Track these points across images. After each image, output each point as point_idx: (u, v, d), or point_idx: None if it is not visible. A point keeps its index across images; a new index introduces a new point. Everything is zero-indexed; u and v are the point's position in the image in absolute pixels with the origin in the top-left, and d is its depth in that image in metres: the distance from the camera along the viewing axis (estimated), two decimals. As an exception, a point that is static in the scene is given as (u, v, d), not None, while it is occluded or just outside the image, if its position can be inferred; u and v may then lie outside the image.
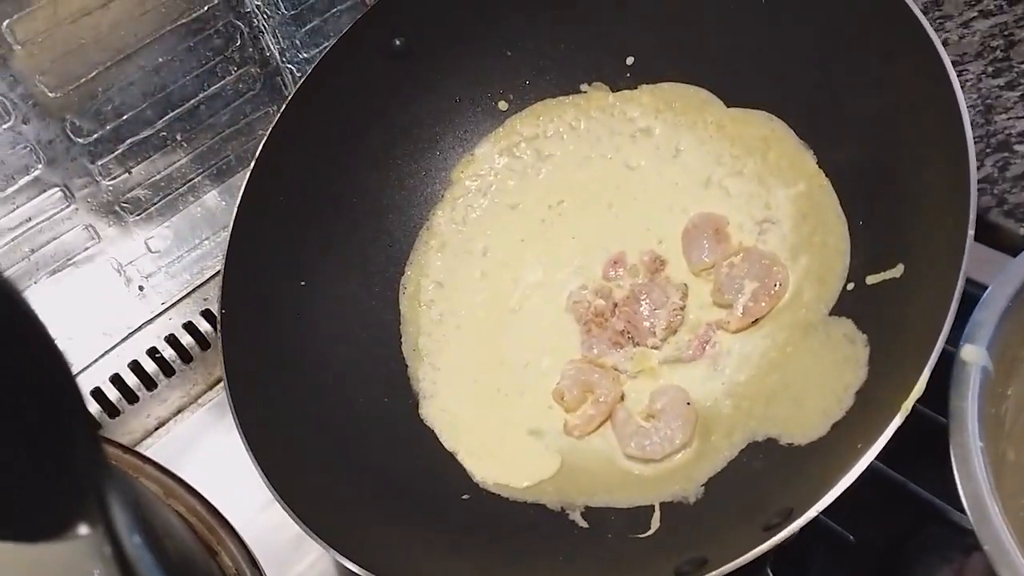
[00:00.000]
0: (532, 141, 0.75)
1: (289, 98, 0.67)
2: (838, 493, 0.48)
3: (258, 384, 0.60)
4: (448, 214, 0.74)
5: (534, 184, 0.74)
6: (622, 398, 0.64)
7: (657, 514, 0.58)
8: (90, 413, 0.28)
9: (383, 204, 0.72)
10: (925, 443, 0.56)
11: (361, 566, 0.52)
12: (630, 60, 0.72)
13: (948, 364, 0.53)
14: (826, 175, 0.65)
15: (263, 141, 0.66)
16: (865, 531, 0.59)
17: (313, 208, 0.68)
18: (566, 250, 0.70)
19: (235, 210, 0.64)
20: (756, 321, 0.63)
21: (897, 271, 0.59)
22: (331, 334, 0.66)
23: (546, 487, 0.61)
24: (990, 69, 0.84)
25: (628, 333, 0.65)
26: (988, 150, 0.77)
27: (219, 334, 0.60)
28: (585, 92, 0.74)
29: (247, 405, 0.59)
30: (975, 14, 0.89)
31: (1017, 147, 0.76)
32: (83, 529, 0.29)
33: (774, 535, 0.47)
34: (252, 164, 0.65)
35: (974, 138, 0.78)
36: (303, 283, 0.66)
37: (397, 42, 0.72)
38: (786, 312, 0.63)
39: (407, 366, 0.68)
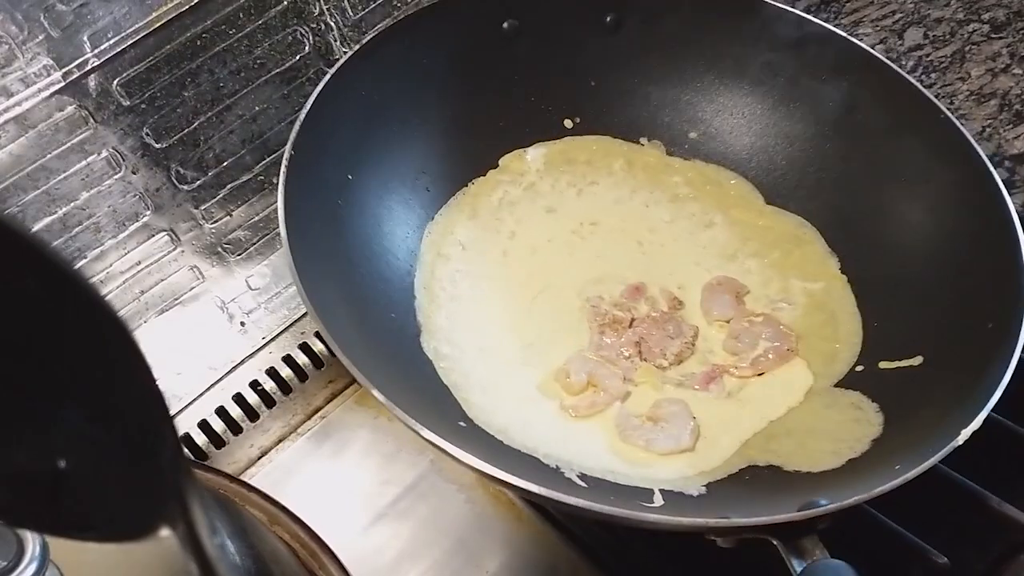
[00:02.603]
0: (582, 164, 0.78)
1: (395, 20, 0.73)
2: (882, 491, 0.49)
3: (305, 224, 0.64)
4: (486, 189, 0.77)
5: (572, 200, 0.77)
6: (625, 398, 0.66)
7: (658, 494, 0.59)
8: (172, 420, 0.30)
9: (434, 149, 0.76)
10: (1021, 463, 0.55)
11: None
12: (693, 135, 0.77)
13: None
14: (848, 280, 0.69)
15: (367, 39, 0.71)
16: (960, 554, 0.58)
17: (379, 117, 0.73)
18: (590, 264, 0.73)
19: (326, 78, 0.69)
20: (762, 374, 0.66)
21: (915, 360, 0.60)
22: (363, 232, 0.70)
23: (538, 450, 0.62)
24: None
25: (639, 347, 0.67)
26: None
27: (284, 168, 0.64)
28: (643, 145, 0.78)
29: (297, 233, 0.62)
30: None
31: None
32: (164, 531, 0.31)
33: (809, 511, 0.48)
34: (347, 56, 0.70)
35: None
36: (350, 176, 0.70)
37: (506, 25, 0.76)
38: (791, 374, 0.65)
39: (415, 297, 0.70)
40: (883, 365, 0.62)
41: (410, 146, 0.75)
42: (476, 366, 0.67)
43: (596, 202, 0.77)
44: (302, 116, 0.66)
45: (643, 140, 0.78)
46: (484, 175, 0.78)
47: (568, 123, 0.79)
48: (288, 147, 0.65)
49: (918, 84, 0.67)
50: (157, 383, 0.29)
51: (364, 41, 0.72)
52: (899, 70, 0.68)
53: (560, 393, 0.66)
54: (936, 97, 0.85)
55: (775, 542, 0.48)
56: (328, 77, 0.69)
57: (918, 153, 0.66)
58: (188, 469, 0.34)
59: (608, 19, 0.77)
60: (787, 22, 0.73)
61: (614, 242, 0.74)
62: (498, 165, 0.78)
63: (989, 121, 0.81)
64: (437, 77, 0.76)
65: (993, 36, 0.89)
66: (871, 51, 0.70)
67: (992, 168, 0.60)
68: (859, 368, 0.63)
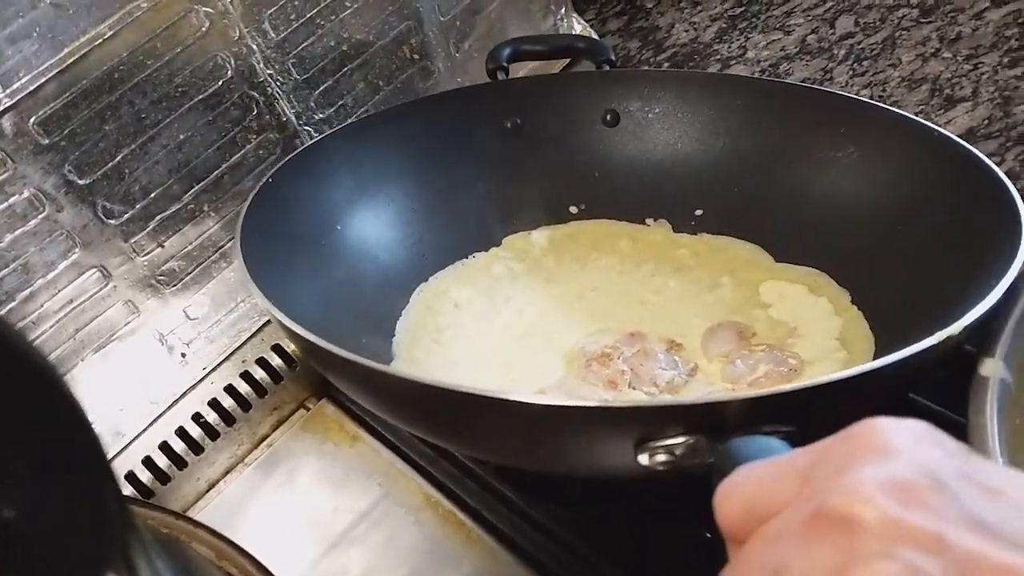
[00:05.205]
0: (587, 244, 0.79)
1: (403, 103, 0.81)
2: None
3: (268, 248, 0.65)
4: (487, 263, 0.78)
5: (576, 272, 0.77)
6: None
7: None
8: (112, 469, 0.30)
9: (434, 222, 0.78)
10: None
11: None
12: (699, 212, 0.78)
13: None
14: (860, 308, 0.68)
15: (374, 112, 0.80)
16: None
17: (377, 184, 0.76)
18: (588, 320, 0.72)
19: (327, 134, 0.75)
20: None
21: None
22: (345, 274, 0.72)
23: None
24: (1006, 60, 0.82)
25: (627, 375, 0.66)
26: (1009, 143, 0.76)
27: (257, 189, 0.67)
28: (648, 226, 0.80)
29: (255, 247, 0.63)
30: (987, 4, 0.88)
31: (1038, 138, 0.75)
32: None
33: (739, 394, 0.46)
34: (350, 121, 0.77)
35: (993, 132, 0.77)
36: (339, 227, 0.73)
37: (508, 124, 0.80)
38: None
39: (395, 335, 0.71)
40: None
41: (408, 217, 0.77)
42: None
43: (600, 274, 0.77)
44: (296, 152, 0.70)
45: (649, 221, 0.80)
46: (486, 251, 0.79)
47: (573, 209, 0.81)
48: (268, 176, 0.68)
49: (913, 115, 0.68)
50: (95, 432, 0.29)
51: (369, 114, 0.79)
52: (896, 110, 0.70)
53: None
54: (868, 86, 0.86)
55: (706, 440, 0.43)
56: (331, 132, 0.74)
57: (925, 183, 0.67)
58: (131, 518, 0.34)
59: (607, 116, 0.80)
60: (771, 94, 0.76)
61: (615, 303, 0.74)
62: (501, 243, 0.80)
63: (921, 107, 0.82)
64: (441, 159, 0.79)
65: (922, 20, 0.90)
66: (862, 99, 0.72)
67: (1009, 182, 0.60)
68: None
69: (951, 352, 0.50)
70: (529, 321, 0.73)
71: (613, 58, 0.83)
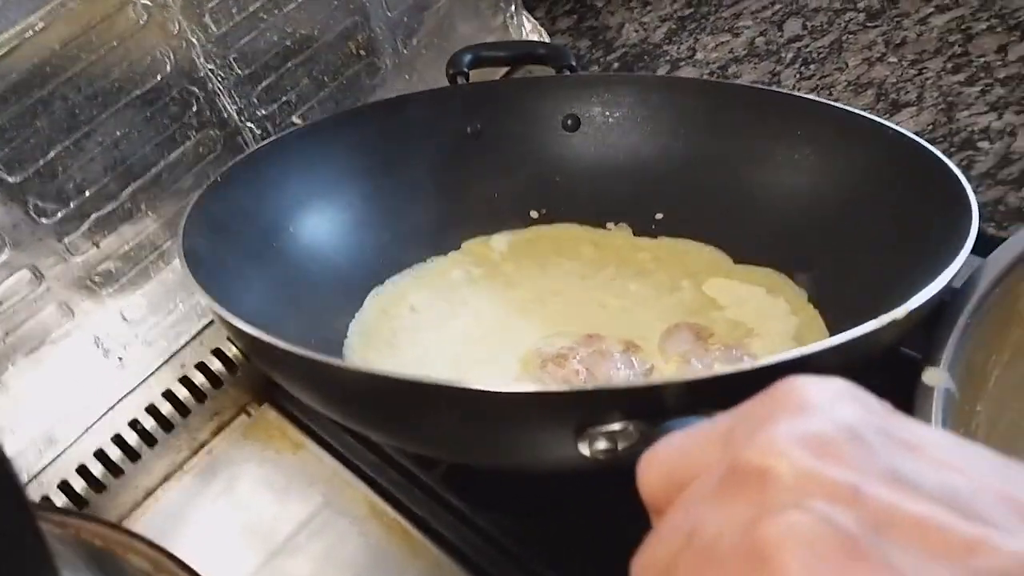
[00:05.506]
0: (548, 249, 0.79)
1: (361, 104, 0.81)
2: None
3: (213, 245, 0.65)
4: (446, 267, 0.77)
5: (536, 276, 0.77)
6: None
7: None
8: (27, 496, 0.29)
9: (391, 228, 0.77)
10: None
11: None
12: (659, 215, 0.78)
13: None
14: (815, 305, 0.69)
15: (329, 116, 0.79)
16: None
17: (334, 188, 0.75)
18: (546, 323, 0.72)
19: (291, 130, 0.75)
20: None
21: None
22: (293, 274, 0.71)
23: None
24: (950, 65, 0.83)
25: (583, 375, 0.65)
26: (952, 149, 0.77)
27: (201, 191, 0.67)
28: (609, 230, 0.79)
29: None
30: (932, 10, 0.89)
31: (981, 144, 0.76)
32: None
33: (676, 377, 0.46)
34: (303, 124, 0.78)
35: (937, 138, 0.78)
36: (291, 229, 0.72)
37: (469, 129, 0.79)
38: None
39: (346, 338, 0.71)
40: None
41: (364, 221, 0.76)
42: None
43: (560, 278, 0.76)
44: (248, 152, 0.69)
45: (609, 225, 0.80)
46: (445, 255, 0.78)
47: (534, 213, 0.81)
48: (217, 175, 0.67)
49: (867, 115, 0.69)
50: (4, 454, 0.28)
51: (323, 118, 0.77)
52: (852, 109, 0.70)
53: None
54: (815, 90, 0.87)
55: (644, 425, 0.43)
56: (287, 133, 0.73)
57: (880, 182, 0.67)
58: (46, 548, 0.33)
59: (568, 121, 0.80)
60: (730, 97, 0.76)
61: (575, 306, 0.73)
62: (460, 248, 0.79)
63: (867, 111, 0.82)
64: (400, 163, 0.78)
65: (868, 24, 0.90)
66: (817, 99, 0.73)
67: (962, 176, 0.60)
68: None
69: (895, 342, 0.50)
70: (487, 325, 0.72)
71: (574, 64, 0.83)
